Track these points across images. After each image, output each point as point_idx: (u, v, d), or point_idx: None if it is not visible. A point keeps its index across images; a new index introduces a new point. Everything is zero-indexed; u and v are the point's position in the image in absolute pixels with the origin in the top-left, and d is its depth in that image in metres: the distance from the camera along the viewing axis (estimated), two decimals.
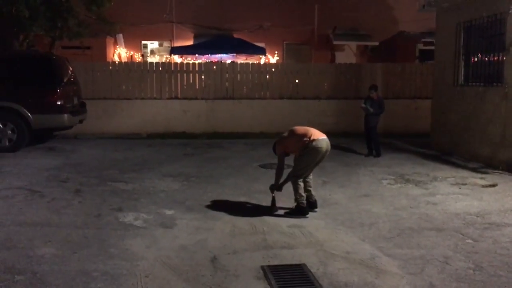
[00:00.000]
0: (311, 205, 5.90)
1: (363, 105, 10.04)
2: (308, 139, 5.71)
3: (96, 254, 4.46)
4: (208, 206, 6.14)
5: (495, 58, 8.95)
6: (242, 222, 5.47)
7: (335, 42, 19.21)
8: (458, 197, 6.63)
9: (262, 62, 16.91)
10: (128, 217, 5.60)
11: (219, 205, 6.19)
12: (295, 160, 5.87)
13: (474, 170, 8.48)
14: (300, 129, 5.98)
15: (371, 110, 9.94)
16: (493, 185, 7.33)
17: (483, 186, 7.29)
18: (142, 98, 13.26)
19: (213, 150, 10.83)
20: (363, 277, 4.01)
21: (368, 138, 10.18)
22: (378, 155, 9.92)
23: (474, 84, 9.55)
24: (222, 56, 16.63)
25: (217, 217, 5.67)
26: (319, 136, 5.79)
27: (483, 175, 8.05)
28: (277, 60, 18.49)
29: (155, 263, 4.27)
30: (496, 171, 8.30)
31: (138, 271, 4.08)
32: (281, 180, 6.01)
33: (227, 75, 13.65)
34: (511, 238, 4.94)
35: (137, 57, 18.63)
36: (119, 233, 5.05)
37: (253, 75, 13.73)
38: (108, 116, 12.92)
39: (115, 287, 3.78)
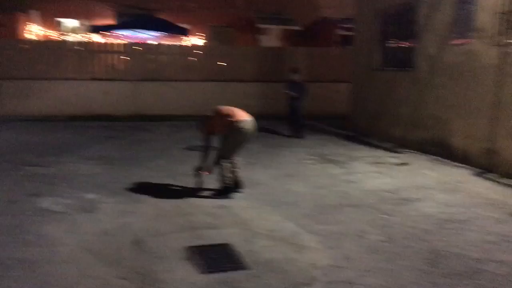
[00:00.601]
0: (237, 185, 5.98)
1: (286, 91, 10.30)
2: (233, 119, 5.74)
3: (11, 241, 4.25)
4: (132, 189, 6.03)
5: (408, 44, 9.50)
6: (167, 204, 5.44)
7: (259, 25, 19.35)
8: (374, 176, 7.03)
9: (187, 44, 16.67)
10: (47, 202, 5.37)
11: (143, 188, 6.10)
12: (221, 141, 5.89)
13: (389, 150, 9.01)
14: (225, 108, 5.98)
15: (294, 94, 10.21)
16: (405, 164, 7.85)
17: (396, 165, 7.78)
18: (61, 79, 12.62)
19: (137, 132, 10.60)
20: (286, 253, 4.17)
21: (292, 120, 10.46)
22: (301, 136, 10.23)
23: (388, 68, 10.08)
24: (145, 36, 16.18)
25: (141, 200, 5.60)
26: (244, 117, 5.85)
27: (396, 155, 8.58)
28: (202, 42, 18.31)
29: (75, 248, 4.15)
30: (408, 150, 8.88)
31: (57, 257, 3.95)
32: (207, 161, 6.02)
33: (150, 56, 13.33)
34: (420, 212, 5.34)
35: (54, 35, 17.62)
36: (36, 219, 4.83)
37: (178, 56, 13.53)
38: (24, 97, 12.19)
39: (33, 275, 3.64)
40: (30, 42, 13.17)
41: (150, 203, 5.47)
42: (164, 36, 16.64)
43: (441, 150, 8.23)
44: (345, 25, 18.60)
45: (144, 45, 13.75)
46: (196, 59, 13.68)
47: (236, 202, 5.61)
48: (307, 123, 10.84)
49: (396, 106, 9.62)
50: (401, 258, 4.08)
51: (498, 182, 6.64)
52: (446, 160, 7.99)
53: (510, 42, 6.85)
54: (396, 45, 10.08)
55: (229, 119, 5.75)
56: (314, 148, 9.07)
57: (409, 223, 4.99)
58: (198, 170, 5.99)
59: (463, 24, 7.80)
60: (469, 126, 7.66)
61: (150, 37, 16.28)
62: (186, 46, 14.90)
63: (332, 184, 6.53)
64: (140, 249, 4.17)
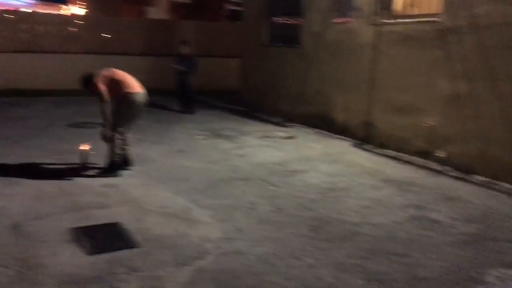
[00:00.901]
0: (126, 163, 5.79)
1: (175, 65, 10.12)
2: (128, 91, 5.49)
3: None
4: (9, 171, 5.56)
5: (294, 22, 9.81)
6: (49, 185, 5.11)
7: None
8: (264, 149, 7.25)
9: (66, 13, 15.52)
10: None
11: (22, 169, 5.66)
12: (112, 113, 5.49)
13: (277, 124, 9.33)
14: (120, 74, 5.65)
15: (183, 69, 10.07)
16: (292, 137, 8.20)
17: (284, 138, 8.09)
18: None
19: (12, 108, 9.73)
20: (177, 228, 4.16)
21: (182, 96, 10.34)
22: (191, 112, 10.17)
23: (277, 44, 10.35)
24: (16, 3, 14.75)
25: (20, 182, 5.18)
26: (138, 89, 5.62)
27: (284, 129, 8.92)
28: (84, 12, 17.18)
29: None
30: (295, 124, 9.27)
31: None
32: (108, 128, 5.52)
33: (25, 25, 12.20)
34: (305, 183, 5.64)
35: None
36: None
37: (57, 27, 12.55)
38: None
39: None
40: None
41: (29, 185, 5.09)
42: (39, 4, 15.31)
43: (325, 123, 8.72)
44: (234, 0, 18.68)
45: (17, 12, 12.52)
46: (76, 30, 12.80)
47: (125, 180, 5.45)
48: (197, 98, 10.79)
49: (284, 82, 9.95)
50: (289, 227, 4.29)
51: (374, 152, 7.23)
52: (329, 133, 8.49)
53: (383, 22, 7.38)
54: (283, 21, 10.34)
55: (124, 90, 5.47)
56: (205, 124, 9.08)
57: (296, 193, 5.25)
58: (106, 137, 5.54)
59: (344, 3, 8.23)
60: (349, 101, 8.19)
61: (23, 4, 14.87)
62: (65, 16, 13.87)
63: (223, 158, 6.61)
64: (19, 234, 3.88)
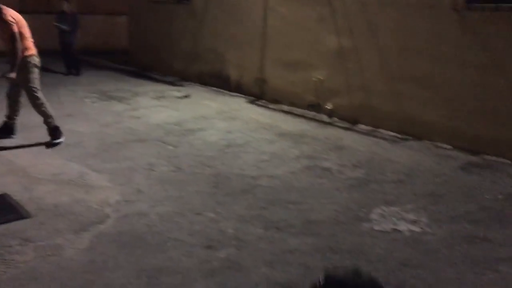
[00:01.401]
0: (9, 130, 5.39)
1: (56, 23, 9.40)
2: (31, 51, 5.25)
3: None
4: None
5: None
6: None
7: None
8: (159, 109, 7.13)
9: None
10: None
11: None
12: (20, 81, 5.16)
13: (171, 83, 9.17)
14: (25, 26, 5.31)
15: (65, 27, 9.41)
16: (187, 96, 8.14)
17: (179, 98, 8.01)
18: None
19: None
20: (73, 195, 4.02)
21: (66, 57, 9.70)
22: (77, 73, 9.61)
23: (165, 1, 10.01)
24: None
25: None
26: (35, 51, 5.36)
27: (179, 88, 8.81)
28: None
29: None
30: (189, 83, 9.18)
31: None
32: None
33: None
34: (203, 141, 5.69)
35: None
36: None
37: None
38: None
39: None
40: None
41: None
42: None
43: (220, 81, 8.75)
44: None
45: None
46: None
47: (9, 149, 5.07)
48: (84, 58, 10.19)
49: (176, 40, 9.72)
50: (189, 185, 4.34)
51: (268, 107, 7.45)
52: (224, 91, 8.55)
53: None
54: None
55: (28, 49, 5.21)
56: (95, 85, 8.65)
57: (195, 151, 5.29)
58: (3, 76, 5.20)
59: None
60: (242, 58, 8.27)
61: None
62: None
63: (117, 121, 6.40)
64: None
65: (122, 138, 5.67)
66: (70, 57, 9.66)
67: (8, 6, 5.26)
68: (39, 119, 6.22)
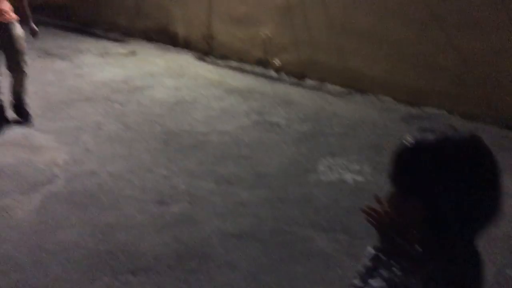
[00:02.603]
0: (24, 112, 4.73)
1: None
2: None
3: None
4: None
5: None
6: None
7: None
8: (103, 67, 6.92)
9: None
10: None
11: None
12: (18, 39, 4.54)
13: (115, 40, 8.87)
14: None
15: None
16: (133, 53, 7.93)
17: (125, 55, 7.79)
18: None
19: None
20: (19, 156, 3.93)
21: None
22: None
23: None
24: None
25: None
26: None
27: (124, 45, 8.54)
28: None
29: None
30: (135, 39, 8.91)
31: None
32: None
33: None
34: (152, 98, 5.62)
35: None
36: None
37: None
38: None
39: None
40: None
41: None
42: None
43: (166, 37, 8.55)
44: None
45: None
46: None
47: None
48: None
49: None
50: (139, 143, 4.34)
51: (216, 64, 7.41)
52: (171, 47, 8.38)
53: None
54: None
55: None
56: (33, 42, 8.21)
57: (143, 109, 5.24)
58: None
59: None
60: (189, 14, 8.09)
61: None
62: None
63: (60, 79, 6.18)
64: None
65: (67, 97, 5.51)
66: None
67: None
68: None
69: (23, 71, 4.60)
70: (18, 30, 4.57)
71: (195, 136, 4.54)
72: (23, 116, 4.62)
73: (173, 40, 8.44)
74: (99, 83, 6.11)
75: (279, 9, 6.75)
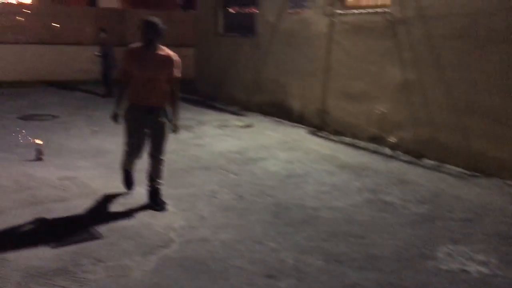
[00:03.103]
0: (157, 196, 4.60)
1: (97, 53, 10.67)
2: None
3: None
4: None
5: (249, 11, 9.88)
6: (3, 179, 4.99)
7: None
8: (222, 138, 7.32)
9: (12, 1, 14.87)
10: None
11: None
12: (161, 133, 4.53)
13: (234, 113, 9.41)
14: None
15: (100, 54, 10.71)
16: (250, 126, 8.31)
17: (242, 127, 8.19)
18: None
19: None
20: (140, 219, 4.19)
21: (105, 80, 10.81)
22: (111, 95, 10.54)
23: (232, 34, 10.39)
24: None
25: None
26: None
27: (241, 117, 9.02)
28: (31, 1, 16.50)
29: None
30: (252, 113, 9.38)
31: None
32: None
33: None
34: (264, 170, 5.76)
35: None
36: None
37: (5, 16, 12.03)
38: None
39: None
40: None
41: None
42: None
43: (281, 112, 8.88)
44: None
45: None
46: (25, 20, 12.32)
47: (85, 172, 5.39)
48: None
49: (239, 71, 10.01)
50: (250, 213, 4.41)
51: (329, 139, 7.45)
52: (285, 121, 8.65)
53: (337, 12, 7.58)
54: (238, 11, 10.38)
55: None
56: None
57: (256, 180, 5.37)
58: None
59: None
60: (304, 89, 8.37)
61: None
62: (12, 4, 13.30)
63: (182, 148, 6.63)
64: None
65: (186, 165, 5.87)
66: (107, 81, 10.80)
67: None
68: (109, 144, 6.58)
69: (162, 159, 4.56)
70: (167, 116, 4.50)
71: (305, 211, 4.51)
72: (158, 204, 4.47)
73: (287, 114, 8.72)
74: (217, 153, 6.43)
75: (396, 86, 6.69)
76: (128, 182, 4.83)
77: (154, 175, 4.61)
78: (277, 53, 8.96)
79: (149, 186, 4.61)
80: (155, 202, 4.52)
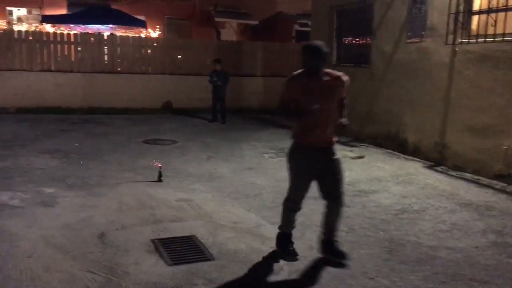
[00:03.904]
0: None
1: (213, 79, 11.33)
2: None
3: None
4: (91, 183, 5.93)
5: (363, 41, 9.79)
6: (129, 198, 5.39)
7: (216, 19, 19.31)
8: None
9: (142, 35, 16.39)
10: (3, 196, 5.20)
11: (103, 182, 6.01)
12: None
13: (345, 143, 9.25)
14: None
15: (219, 82, 11.23)
16: (361, 157, 8.11)
17: (353, 158, 8.02)
18: (10, 70, 12.11)
19: (92, 126, 10.37)
20: (250, 244, 4.25)
21: (215, 107, 11.50)
22: (224, 122, 11.34)
23: (345, 64, 10.34)
24: (99, 27, 15.76)
25: (102, 193, 5.52)
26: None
27: (352, 148, 8.84)
28: (158, 35, 18.05)
29: (37, 243, 4.05)
30: (363, 144, 9.16)
31: (19, 252, 3.85)
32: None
33: (105, 47, 13.02)
34: (376, 203, 5.56)
35: (2, 25, 16.85)
36: None
37: (134, 48, 13.28)
38: None
39: None
40: None
41: (110, 197, 5.40)
42: (119, 28, 16.27)
43: (395, 144, 8.55)
44: (300, 21, 18.90)
45: (98, 36, 13.38)
46: (151, 52, 13.47)
47: (199, 195, 5.64)
48: (262, 117, 11.10)
49: (352, 101, 9.85)
50: (361, 247, 4.25)
51: (447, 174, 6.99)
52: (398, 154, 8.31)
53: (460, 41, 7.20)
54: (352, 41, 10.34)
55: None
56: (273, 142, 9.19)
57: (367, 213, 5.19)
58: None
59: (417, 23, 8.11)
60: (421, 121, 8.00)
61: (104, 28, 15.87)
62: (142, 38, 14.64)
63: None
64: (104, 242, 4.12)
65: None
66: (221, 108, 11.48)
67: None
68: (224, 170, 6.83)
69: (343, 202, 4.02)
70: (339, 154, 4.02)
71: (421, 249, 4.24)
72: (338, 255, 3.92)
73: (401, 147, 8.38)
74: None
75: None
76: (289, 249, 3.99)
77: (333, 225, 3.97)
78: (392, 83, 8.72)
79: (326, 234, 3.99)
80: (334, 253, 3.93)
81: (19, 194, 5.33)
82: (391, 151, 8.51)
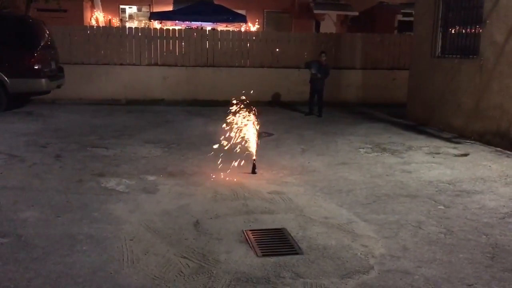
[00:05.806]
0: None
1: (312, 71, 11.02)
2: None
3: (79, 218, 4.52)
4: (190, 172, 6.22)
5: (472, 31, 9.12)
6: (224, 188, 5.58)
7: (315, 11, 19.16)
8: (432, 166, 6.86)
9: (243, 30, 16.77)
10: (110, 183, 5.66)
11: (200, 172, 6.28)
12: None
13: (448, 140, 8.74)
14: None
15: (319, 75, 10.93)
16: (465, 155, 7.60)
17: (456, 155, 7.55)
18: (121, 64, 13.10)
19: (193, 117, 10.85)
20: (341, 240, 4.19)
21: (312, 100, 11.25)
22: (320, 115, 11.10)
23: (450, 56, 9.72)
24: (202, 22, 16.42)
25: (199, 183, 5.77)
26: None
27: (456, 145, 8.32)
28: (257, 28, 18.35)
29: (139, 227, 4.36)
30: (468, 141, 8.58)
31: (123, 235, 4.17)
32: None
33: (207, 42, 13.53)
34: (480, 205, 5.19)
35: (116, 22, 18.25)
36: (101, 198, 5.11)
37: (234, 42, 13.65)
38: (86, 81, 12.74)
39: (100, 250, 3.86)
40: (94, 28, 13.71)
41: (207, 186, 5.63)
42: (221, 22, 16.81)
43: (505, 141, 7.89)
44: (403, 10, 18.10)
45: (200, 31, 13.93)
46: (250, 45, 13.73)
47: (291, 188, 5.67)
48: (359, 110, 10.80)
49: (457, 95, 9.29)
50: (460, 251, 4.00)
51: None
52: (509, 152, 7.67)
53: None
54: (459, 31, 9.68)
55: None
56: (369, 137, 8.95)
57: (469, 215, 4.87)
58: None
59: None
60: None
61: (207, 23, 16.50)
62: (242, 32, 14.98)
63: (388, 173, 6.44)
64: (198, 230, 4.32)
65: (391, 191, 5.67)
66: (318, 101, 11.21)
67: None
68: (317, 164, 6.79)
69: None
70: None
71: None
72: None
73: None
74: (425, 181, 6.06)
75: None
76: None
77: None
78: (503, 76, 8.03)
79: None
80: None
81: (125, 180, 5.76)
82: (501, 150, 7.87)
